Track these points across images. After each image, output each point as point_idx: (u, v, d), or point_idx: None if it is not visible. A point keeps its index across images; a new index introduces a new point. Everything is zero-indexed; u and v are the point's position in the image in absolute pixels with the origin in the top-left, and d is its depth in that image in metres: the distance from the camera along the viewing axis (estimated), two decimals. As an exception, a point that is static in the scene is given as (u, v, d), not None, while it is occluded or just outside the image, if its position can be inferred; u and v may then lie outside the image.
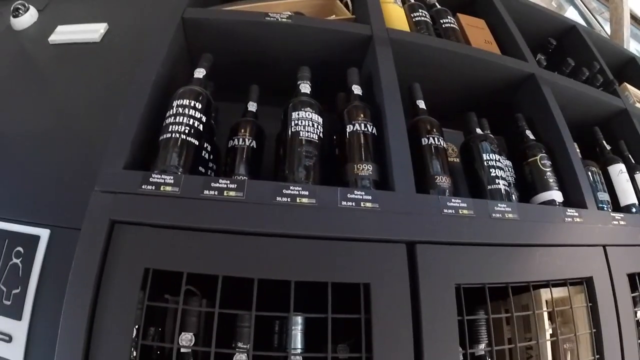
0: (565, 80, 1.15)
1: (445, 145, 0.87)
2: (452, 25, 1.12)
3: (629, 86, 1.40)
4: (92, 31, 1.13)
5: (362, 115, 0.84)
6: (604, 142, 1.18)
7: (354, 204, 0.70)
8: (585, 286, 0.84)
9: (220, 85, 0.92)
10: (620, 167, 1.11)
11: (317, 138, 0.79)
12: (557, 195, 0.92)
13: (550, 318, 0.85)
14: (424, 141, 0.86)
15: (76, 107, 1.00)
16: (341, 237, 0.67)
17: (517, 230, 0.79)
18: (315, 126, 0.80)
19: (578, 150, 1.09)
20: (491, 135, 0.95)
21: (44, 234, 0.79)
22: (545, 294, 0.81)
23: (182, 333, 0.60)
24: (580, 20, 2.27)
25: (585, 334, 0.83)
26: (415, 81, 1.00)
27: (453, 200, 0.76)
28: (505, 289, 0.75)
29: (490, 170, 0.86)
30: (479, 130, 0.94)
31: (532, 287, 0.79)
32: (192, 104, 0.75)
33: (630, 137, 1.26)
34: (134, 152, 0.69)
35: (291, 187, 0.68)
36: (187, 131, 0.72)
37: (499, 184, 0.85)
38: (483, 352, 0.75)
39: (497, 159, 0.88)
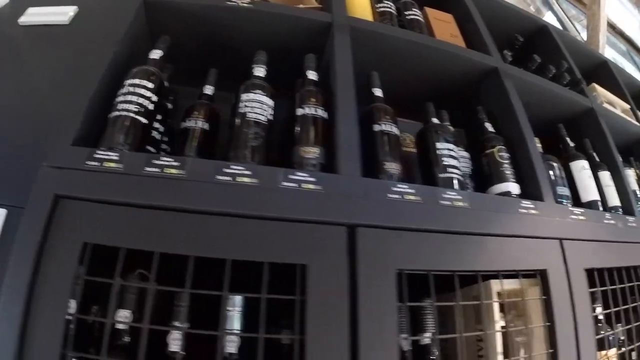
0: (530, 75, 1.13)
1: (398, 133, 0.84)
2: (416, 17, 1.10)
3: (597, 86, 1.38)
4: (62, 13, 1.11)
5: (313, 100, 0.81)
6: (568, 138, 1.16)
7: (295, 184, 0.67)
8: (540, 278, 0.80)
9: (184, 69, 0.90)
10: (583, 163, 1.09)
11: (265, 120, 0.77)
12: (513, 187, 0.89)
13: (503, 310, 0.81)
14: (376, 127, 0.83)
15: (42, 87, 0.97)
16: (280, 218, 0.64)
17: (467, 219, 0.75)
18: (265, 108, 0.78)
19: (540, 145, 1.07)
20: (447, 125, 0.92)
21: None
22: (496, 285, 0.78)
23: (120, 310, 0.59)
24: (558, 26, 2.28)
25: (540, 327, 0.79)
26: (376, 70, 0.98)
27: (399, 185, 0.73)
28: (462, 279, 0.71)
29: (443, 159, 0.83)
30: (435, 120, 0.91)
31: (483, 277, 0.75)
32: (143, 84, 0.74)
33: (596, 136, 1.24)
34: (85, 129, 0.68)
35: (232, 166, 0.66)
36: (136, 110, 0.71)
37: (451, 172, 0.82)
38: (429, 341, 0.71)
39: (450, 149, 0.85)
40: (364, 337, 0.60)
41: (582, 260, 0.89)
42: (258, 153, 0.73)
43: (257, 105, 0.77)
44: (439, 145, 0.85)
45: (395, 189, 0.72)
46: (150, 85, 0.74)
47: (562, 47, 1.38)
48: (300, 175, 0.68)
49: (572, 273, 0.84)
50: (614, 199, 1.12)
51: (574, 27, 2.60)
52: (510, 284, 0.79)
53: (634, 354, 1.02)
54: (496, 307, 0.77)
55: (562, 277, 0.83)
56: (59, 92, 0.91)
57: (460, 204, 0.76)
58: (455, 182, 0.82)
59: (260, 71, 0.86)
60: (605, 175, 1.15)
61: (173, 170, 0.63)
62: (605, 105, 1.34)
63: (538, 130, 1.23)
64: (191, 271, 0.57)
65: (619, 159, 1.21)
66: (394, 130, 0.83)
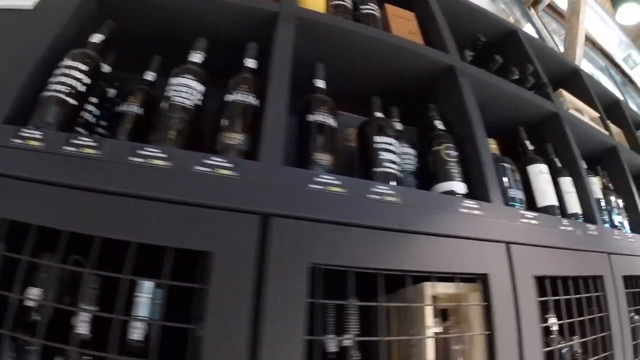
0: (489, 76, 1.09)
1: (334, 125, 0.79)
2: (372, 12, 1.07)
3: (564, 92, 1.35)
4: (26, -2, 1.07)
5: (244, 86, 0.78)
6: (527, 141, 1.11)
7: (210, 169, 0.63)
8: (481, 283, 0.75)
9: (135, 55, 0.87)
10: (541, 167, 1.04)
11: (192, 105, 0.74)
12: (458, 187, 0.84)
13: (445, 315, 0.75)
14: (310, 117, 0.78)
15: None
16: (190, 203, 0.60)
17: (398, 215, 0.70)
18: (193, 93, 0.75)
19: (495, 147, 1.03)
20: (390, 120, 0.88)
21: None
22: (430, 288, 0.72)
23: (30, 287, 0.58)
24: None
25: (480, 335, 0.73)
26: (329, 63, 0.94)
27: (323, 175, 0.67)
28: (400, 280, 0.66)
29: (380, 152, 0.79)
30: (378, 114, 0.87)
31: (420, 278, 0.70)
32: (76, 66, 0.72)
33: (560, 141, 1.20)
34: (18, 108, 0.66)
35: (146, 148, 0.63)
36: (66, 91, 0.69)
37: (387, 167, 0.78)
38: (350, 343, 0.65)
39: (390, 143, 0.80)
40: (266, 334, 0.55)
41: (531, 267, 0.83)
42: (180, 137, 0.70)
43: (185, 90, 0.74)
44: (377, 139, 0.80)
45: (319, 179, 0.67)
46: (84, 67, 0.73)
47: (530, 52, 1.35)
48: (216, 161, 0.64)
49: (518, 279, 0.79)
50: (574, 206, 1.07)
51: (553, 39, 2.59)
52: (445, 288, 0.73)
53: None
54: (429, 311, 0.71)
55: (506, 283, 0.77)
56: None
57: (391, 198, 0.70)
58: (390, 176, 0.76)
59: (195, 57, 0.82)
60: (566, 181, 1.10)
61: (90, 150, 0.61)
62: (572, 111, 1.30)
63: (498, 133, 1.19)
64: (96, 252, 0.55)
65: (583, 165, 1.16)
66: (329, 121, 0.79)
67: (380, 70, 1.06)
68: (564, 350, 0.88)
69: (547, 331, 0.90)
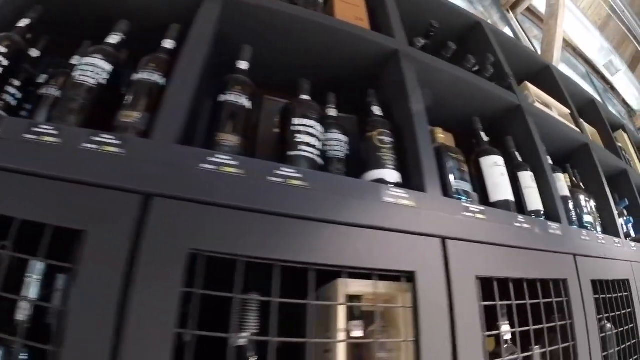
0: (438, 62, 1.01)
1: (247, 106, 0.71)
2: (312, -5, 0.99)
3: (530, 85, 1.26)
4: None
5: (152, 65, 0.72)
6: (482, 132, 1.02)
7: (96, 146, 0.57)
8: (407, 282, 0.64)
9: (70, 42, 0.81)
10: (495, 159, 0.94)
11: (94, 83, 0.69)
12: (389, 175, 0.75)
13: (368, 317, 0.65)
14: (221, 97, 0.70)
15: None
16: (70, 179, 0.54)
17: (305, 201, 0.61)
18: (98, 72, 0.71)
19: (443, 136, 0.94)
20: (312, 103, 0.79)
21: None
22: (344, 286, 0.61)
23: None
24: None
25: (406, 342, 0.62)
26: (267, 48, 0.90)
27: (217, 155, 0.58)
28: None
29: (296, 135, 0.71)
30: (304, 97, 0.78)
31: (336, 275, 0.60)
32: None
33: (522, 135, 1.11)
34: None
35: (40, 126, 0.58)
36: None
37: (303, 150, 0.69)
38: (245, 342, 0.55)
39: (310, 125, 0.72)
40: (131, 320, 0.48)
41: (474, 266, 0.73)
42: (77, 115, 0.65)
43: (90, 69, 0.70)
44: (295, 121, 0.72)
45: (212, 159, 0.58)
46: (3, 50, 0.71)
47: (495, 44, 1.27)
48: (104, 138, 0.57)
49: (455, 280, 0.68)
50: (535, 203, 0.98)
51: (531, 43, 2.52)
52: (367, 287, 0.63)
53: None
54: (341, 312, 0.60)
55: (439, 283, 0.67)
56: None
57: (298, 182, 0.61)
58: (305, 161, 0.67)
59: (112, 38, 0.77)
60: (527, 176, 1.00)
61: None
62: (539, 105, 1.21)
63: (457, 127, 1.10)
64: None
65: (546, 160, 1.07)
66: (242, 102, 0.70)
67: (320, 56, 0.98)
68: (517, 363, 0.77)
69: (498, 340, 0.79)
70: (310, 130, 0.71)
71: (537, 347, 0.82)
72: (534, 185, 1.00)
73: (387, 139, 0.79)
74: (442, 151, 0.86)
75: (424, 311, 0.63)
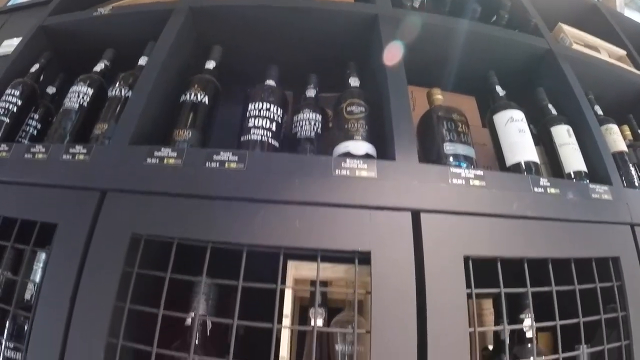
0: (433, 17, 0.85)
1: (207, 102, 0.70)
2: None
3: (565, 27, 0.99)
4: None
5: (122, 81, 0.76)
6: (498, 87, 0.82)
7: (70, 157, 0.63)
8: (358, 265, 0.53)
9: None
10: (511, 114, 0.75)
11: (77, 107, 0.76)
12: (356, 147, 0.64)
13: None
14: (181, 97, 0.71)
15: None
16: (51, 184, 0.61)
17: (239, 182, 0.57)
18: (81, 96, 0.77)
19: (440, 97, 0.78)
20: (272, 86, 0.73)
21: None
22: (294, 268, 0.53)
23: None
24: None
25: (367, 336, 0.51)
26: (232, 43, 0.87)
27: (159, 150, 0.60)
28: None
29: (249, 120, 0.66)
30: (269, 82, 0.72)
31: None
32: (12, 92, 0.82)
33: (556, 83, 0.87)
34: None
35: (33, 147, 0.66)
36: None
37: (254, 134, 0.65)
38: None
39: (266, 108, 0.67)
40: (82, 295, 0.52)
41: (462, 243, 0.57)
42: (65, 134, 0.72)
43: (74, 95, 0.76)
44: (250, 106, 0.68)
45: (157, 153, 0.60)
46: (17, 92, 0.82)
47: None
48: (76, 150, 0.63)
49: (431, 261, 0.54)
50: (573, 163, 0.75)
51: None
52: (320, 270, 0.53)
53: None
54: (287, 296, 0.52)
55: (404, 265, 0.53)
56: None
57: (235, 165, 0.57)
58: (256, 143, 0.62)
59: (99, 66, 0.85)
60: (561, 131, 0.78)
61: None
62: (579, 48, 0.94)
63: (472, 87, 0.93)
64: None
65: (590, 110, 0.81)
66: (200, 99, 0.71)
67: (301, 38, 0.91)
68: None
69: (520, 337, 0.61)
70: (264, 113, 0.66)
71: (580, 347, 0.60)
72: (572, 141, 0.77)
73: (357, 109, 0.68)
74: (432, 113, 0.71)
75: (378, 299, 0.51)
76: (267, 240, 0.52)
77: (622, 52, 1.02)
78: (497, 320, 0.66)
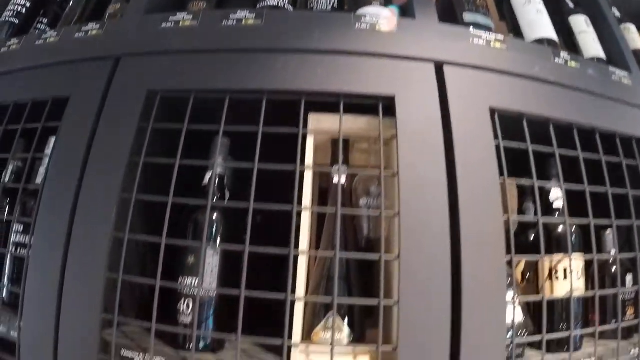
0: None
1: None
2: None
3: None
4: None
5: None
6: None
7: (84, 34, 0.62)
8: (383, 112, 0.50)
9: None
10: (528, -7, 0.71)
11: None
12: (374, 12, 0.59)
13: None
14: None
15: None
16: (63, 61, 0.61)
17: (257, 36, 0.55)
18: None
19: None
20: None
21: None
22: (318, 121, 0.50)
23: None
24: None
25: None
26: None
27: (174, 14, 0.58)
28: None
29: None
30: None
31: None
32: None
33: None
34: None
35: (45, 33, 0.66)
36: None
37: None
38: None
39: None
40: (95, 153, 0.52)
41: (485, 95, 0.54)
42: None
43: None
44: None
45: (172, 18, 0.58)
46: None
47: None
48: (90, 27, 0.62)
49: (456, 110, 0.51)
50: (592, 49, 0.72)
51: None
52: (344, 122, 0.49)
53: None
54: (309, 146, 0.49)
55: (430, 111, 0.50)
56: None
57: (252, 22, 0.56)
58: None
59: None
60: (580, 20, 0.75)
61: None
62: None
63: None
64: None
65: (607, 6, 0.78)
66: None
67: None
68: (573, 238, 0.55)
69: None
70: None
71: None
72: (591, 30, 0.74)
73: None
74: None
75: (405, 146, 0.48)
76: (288, 85, 0.50)
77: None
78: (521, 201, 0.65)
